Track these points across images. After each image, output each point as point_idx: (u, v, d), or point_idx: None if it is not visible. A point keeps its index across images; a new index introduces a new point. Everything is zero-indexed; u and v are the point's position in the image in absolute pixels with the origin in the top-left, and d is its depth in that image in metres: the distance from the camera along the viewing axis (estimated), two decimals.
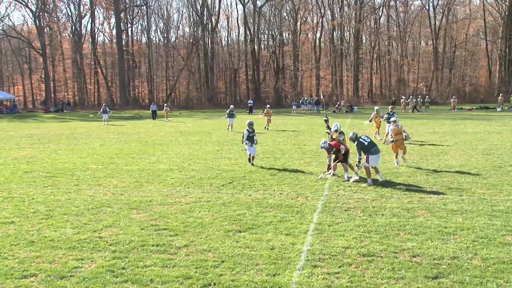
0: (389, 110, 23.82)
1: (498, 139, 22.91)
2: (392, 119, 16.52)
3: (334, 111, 53.44)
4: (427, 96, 55.44)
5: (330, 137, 14.98)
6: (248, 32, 74.73)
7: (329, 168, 14.32)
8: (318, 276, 6.87)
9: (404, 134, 16.13)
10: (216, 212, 10.41)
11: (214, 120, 43.61)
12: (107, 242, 8.47)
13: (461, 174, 14.15)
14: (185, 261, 7.52)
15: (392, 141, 16.12)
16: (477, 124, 31.86)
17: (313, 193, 12.13)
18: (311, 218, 9.86)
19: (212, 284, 6.67)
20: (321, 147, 14.19)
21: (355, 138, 13.33)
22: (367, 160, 13.03)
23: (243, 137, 16.71)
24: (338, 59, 74.91)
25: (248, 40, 74.64)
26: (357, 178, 13.48)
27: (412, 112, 48.25)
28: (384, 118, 23.28)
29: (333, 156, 14.24)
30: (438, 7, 71.93)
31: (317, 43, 78.33)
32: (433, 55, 71.92)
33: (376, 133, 24.27)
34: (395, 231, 8.79)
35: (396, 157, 16.11)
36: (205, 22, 74.83)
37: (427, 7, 73.15)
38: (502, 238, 8.27)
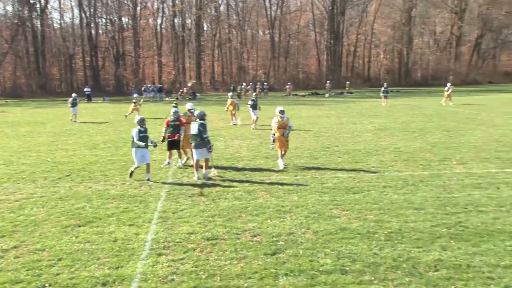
0: (253, 97, 24.57)
1: (327, 122, 25.22)
2: (279, 109, 13.47)
3: (177, 98, 53.22)
4: (265, 83, 58.47)
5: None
6: (83, 15, 70.06)
7: (163, 140, 13.84)
8: (163, 264, 6.82)
9: (286, 130, 13.42)
10: (51, 208, 9.66)
11: (49, 109, 40.16)
12: None
13: (297, 155, 15.24)
14: (14, 264, 6.84)
15: (274, 135, 13.51)
16: (309, 109, 34.65)
17: (157, 181, 11.95)
18: (155, 206, 9.72)
19: (47, 285, 6.19)
20: (172, 113, 14.05)
21: (200, 117, 12.35)
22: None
23: (132, 139, 12.34)
24: (180, 46, 74.63)
25: (84, 24, 70.03)
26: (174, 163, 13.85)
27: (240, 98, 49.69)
28: (250, 104, 23.81)
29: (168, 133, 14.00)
30: None
31: (158, 29, 76.95)
32: (270, 44, 75.99)
33: (232, 119, 25.00)
34: (237, 214, 9.13)
35: (281, 156, 13.54)
36: (32, 1, 67.99)
37: None
38: (330, 212, 9.15)
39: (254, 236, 7.89)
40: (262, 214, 9.05)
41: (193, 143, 12.23)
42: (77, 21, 72.94)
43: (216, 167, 13.09)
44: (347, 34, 79.16)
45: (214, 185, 11.41)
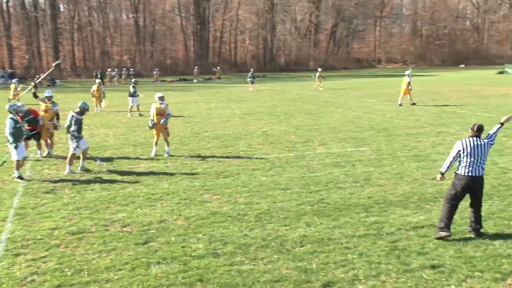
0: (133, 83, 23.43)
1: (196, 108, 25.25)
2: (158, 95, 13.06)
3: (35, 85, 48.97)
4: (131, 69, 56.47)
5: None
6: None
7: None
8: (21, 265, 6.30)
9: (164, 117, 13.01)
10: None
11: None
12: None
13: (164, 143, 14.99)
14: None
15: (152, 121, 12.99)
16: (178, 95, 34.35)
17: (11, 175, 10.90)
18: (10, 203, 8.92)
19: None
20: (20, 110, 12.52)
21: (79, 108, 11.32)
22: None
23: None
24: (33, 28, 68.43)
25: None
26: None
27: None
28: (132, 91, 22.44)
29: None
30: None
31: (5, 8, 69.51)
32: (135, 28, 73.34)
33: (96, 106, 23.82)
34: (105, 204, 8.76)
35: (156, 143, 13.26)
36: None
37: None
38: (201, 197, 9.21)
39: (124, 227, 7.64)
40: (132, 204, 8.79)
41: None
42: None
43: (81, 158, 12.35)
44: (213, 20, 79.55)
45: (80, 177, 10.78)
